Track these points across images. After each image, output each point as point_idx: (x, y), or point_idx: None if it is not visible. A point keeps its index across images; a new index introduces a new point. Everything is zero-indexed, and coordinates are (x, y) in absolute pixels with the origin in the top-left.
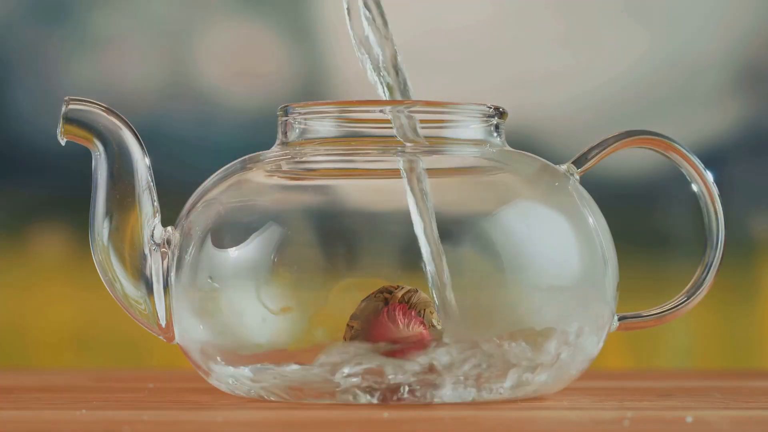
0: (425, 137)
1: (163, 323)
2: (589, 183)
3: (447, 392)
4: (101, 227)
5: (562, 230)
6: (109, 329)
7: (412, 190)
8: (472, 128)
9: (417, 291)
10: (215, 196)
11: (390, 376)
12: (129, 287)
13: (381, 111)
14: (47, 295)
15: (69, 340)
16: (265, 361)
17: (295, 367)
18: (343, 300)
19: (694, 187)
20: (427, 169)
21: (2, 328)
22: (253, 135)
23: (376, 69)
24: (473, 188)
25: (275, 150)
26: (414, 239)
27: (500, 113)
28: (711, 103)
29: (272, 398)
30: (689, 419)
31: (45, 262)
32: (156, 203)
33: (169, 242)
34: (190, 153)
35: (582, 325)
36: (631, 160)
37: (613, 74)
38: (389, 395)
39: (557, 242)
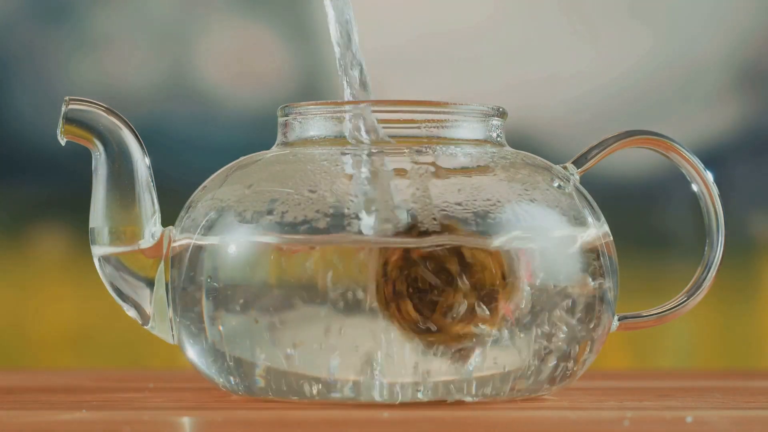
0: (426, 137)
1: (163, 323)
2: (589, 183)
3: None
4: (101, 227)
5: (562, 230)
6: (110, 329)
7: None
8: (472, 128)
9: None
10: (215, 195)
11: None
12: (129, 287)
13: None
14: (47, 295)
15: (69, 340)
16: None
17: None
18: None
19: (694, 187)
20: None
21: (2, 328)
22: (253, 135)
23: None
24: (473, 188)
25: (275, 150)
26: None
27: (500, 113)
28: (711, 103)
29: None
30: (689, 419)
31: (45, 262)
32: (156, 203)
33: (169, 242)
34: (190, 153)
35: (581, 325)
36: (631, 160)
37: (613, 74)
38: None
39: (557, 242)
